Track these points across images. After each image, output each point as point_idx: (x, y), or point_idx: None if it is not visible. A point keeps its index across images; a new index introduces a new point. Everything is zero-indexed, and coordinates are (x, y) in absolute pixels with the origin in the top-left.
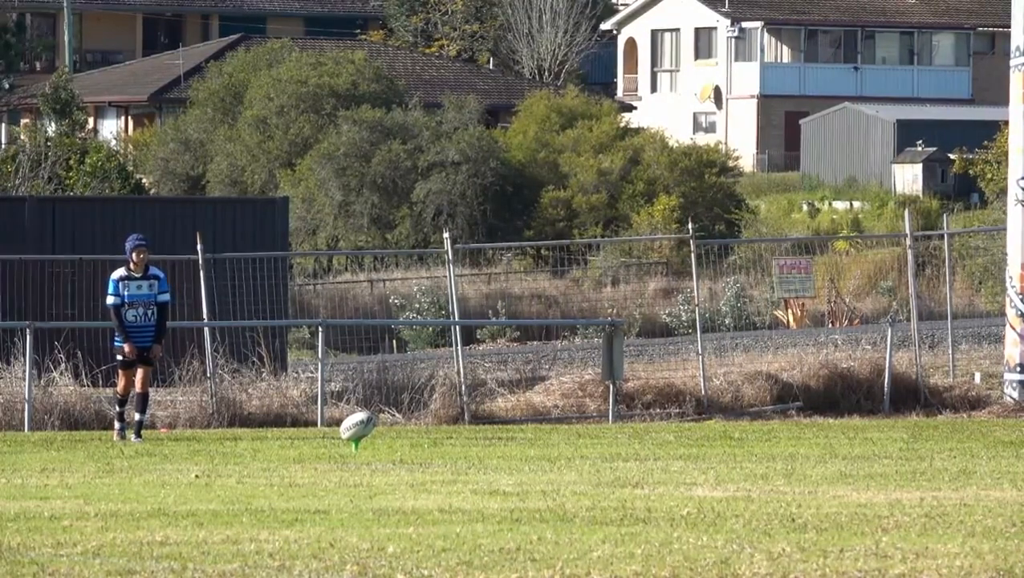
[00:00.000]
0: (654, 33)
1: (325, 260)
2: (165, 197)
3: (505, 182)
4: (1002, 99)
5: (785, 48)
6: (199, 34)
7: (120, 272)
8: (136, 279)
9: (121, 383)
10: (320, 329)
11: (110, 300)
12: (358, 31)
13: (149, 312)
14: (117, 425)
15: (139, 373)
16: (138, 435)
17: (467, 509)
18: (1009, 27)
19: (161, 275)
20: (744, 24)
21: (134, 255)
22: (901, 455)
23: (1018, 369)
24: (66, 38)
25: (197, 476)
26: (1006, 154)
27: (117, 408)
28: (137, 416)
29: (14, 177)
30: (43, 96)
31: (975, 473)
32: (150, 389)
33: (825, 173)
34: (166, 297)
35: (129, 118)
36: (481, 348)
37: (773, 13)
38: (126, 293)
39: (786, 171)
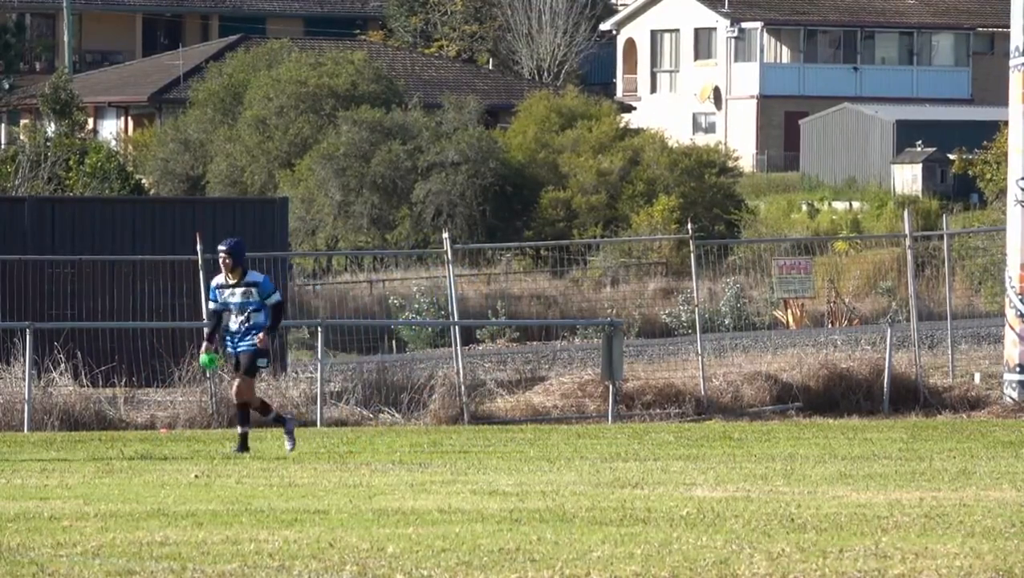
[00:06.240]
0: (654, 33)
1: (325, 260)
2: (165, 197)
3: (505, 182)
4: (1002, 99)
5: (785, 48)
6: (199, 34)
7: None
8: None
9: None
10: (320, 329)
11: None
12: (358, 31)
13: None
14: None
15: None
16: None
17: (467, 509)
18: (1009, 27)
19: None
20: (744, 24)
21: None
22: (900, 455)
23: (1018, 369)
24: (66, 38)
25: (197, 476)
26: (1006, 154)
27: None
28: None
29: (14, 177)
30: (43, 96)
31: (974, 473)
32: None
33: (825, 173)
34: None
35: (129, 118)
36: (480, 348)
37: (773, 13)
38: None
39: (786, 171)
